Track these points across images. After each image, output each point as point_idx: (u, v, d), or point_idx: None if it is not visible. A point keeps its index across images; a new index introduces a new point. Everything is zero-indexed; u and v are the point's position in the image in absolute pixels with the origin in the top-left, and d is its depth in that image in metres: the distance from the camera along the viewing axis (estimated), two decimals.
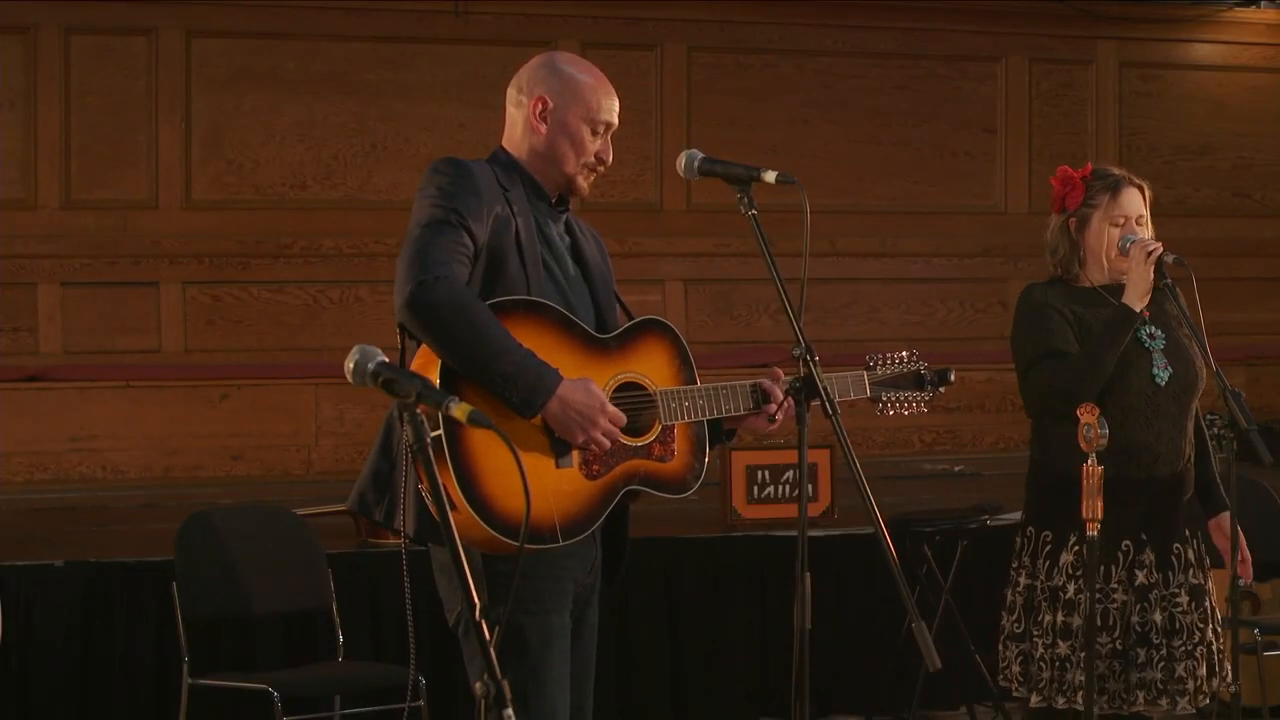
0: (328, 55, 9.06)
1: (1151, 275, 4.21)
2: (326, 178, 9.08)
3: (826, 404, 3.25)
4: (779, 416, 3.42)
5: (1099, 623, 4.21)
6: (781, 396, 3.39)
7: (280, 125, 9.00)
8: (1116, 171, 4.40)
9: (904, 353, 3.72)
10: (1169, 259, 4.22)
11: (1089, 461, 4.01)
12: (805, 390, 3.27)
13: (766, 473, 6.24)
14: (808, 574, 3.18)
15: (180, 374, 8.41)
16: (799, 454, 3.19)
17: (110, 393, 8.13)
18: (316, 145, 9.06)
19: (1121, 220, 4.30)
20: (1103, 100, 10.27)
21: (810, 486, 5.53)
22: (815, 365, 3.27)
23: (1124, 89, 10.31)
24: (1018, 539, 4.40)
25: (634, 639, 5.96)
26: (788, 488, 6.22)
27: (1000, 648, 4.42)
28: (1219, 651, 4.36)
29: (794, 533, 3.24)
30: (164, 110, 8.80)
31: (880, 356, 3.70)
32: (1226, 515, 4.40)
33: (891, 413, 3.70)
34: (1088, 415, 4.00)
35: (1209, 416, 4.37)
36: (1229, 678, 4.39)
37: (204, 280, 8.82)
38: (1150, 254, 4.20)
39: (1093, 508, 4.02)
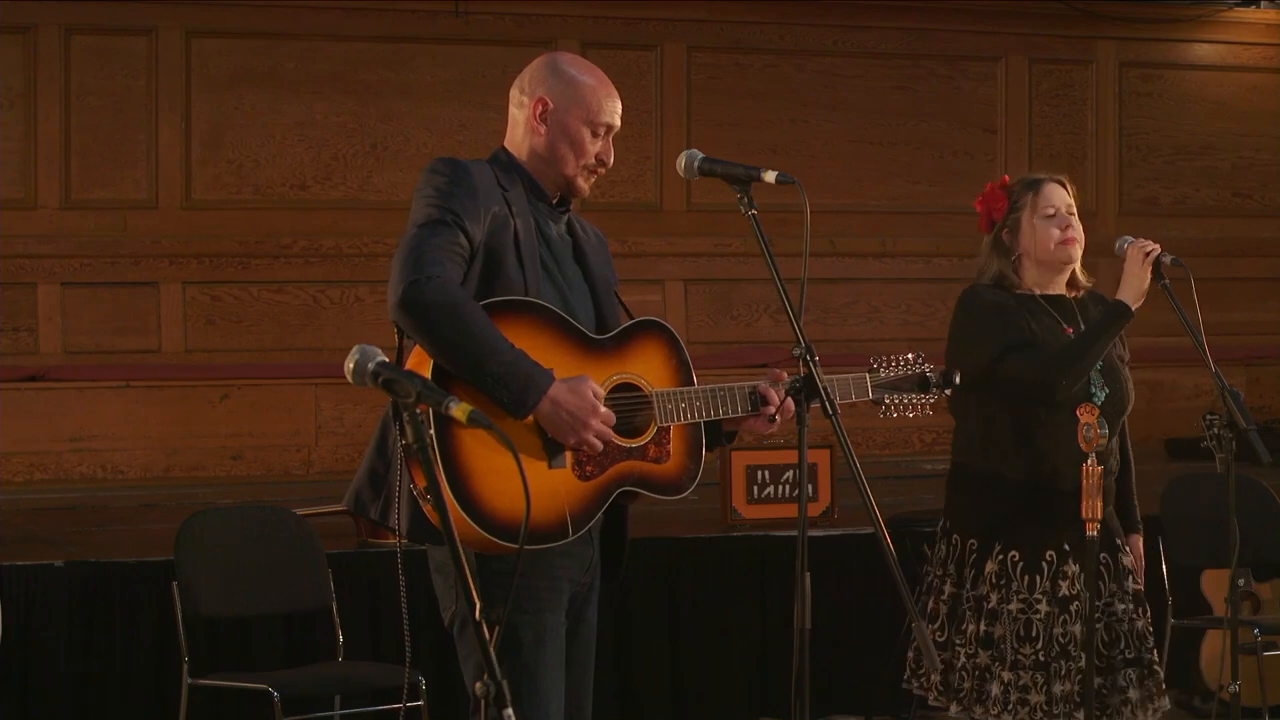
0: (328, 55, 9.06)
1: (1149, 276, 4.20)
2: (326, 178, 9.08)
3: (826, 404, 3.25)
4: (778, 418, 3.41)
5: (1022, 634, 4.18)
6: (778, 399, 3.39)
7: (280, 125, 9.00)
8: (1038, 174, 4.39)
9: (909, 354, 3.70)
10: (1166, 260, 4.22)
11: (1089, 461, 4.01)
12: (805, 391, 3.27)
13: (766, 473, 6.23)
14: (808, 574, 3.17)
15: (180, 374, 8.41)
16: (799, 454, 3.18)
17: (110, 393, 8.13)
18: (316, 145, 9.06)
19: (1050, 210, 4.28)
20: (1103, 100, 10.27)
21: (810, 486, 5.53)
22: (815, 365, 3.26)
23: (1124, 89, 10.31)
24: (940, 545, 4.35)
25: (634, 639, 5.96)
26: (788, 488, 6.22)
27: (911, 653, 4.36)
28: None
29: (794, 533, 3.23)
30: (164, 110, 8.80)
31: (884, 359, 3.68)
32: (1138, 539, 4.39)
33: (895, 415, 3.68)
34: (1087, 415, 4.01)
35: (1209, 416, 4.33)
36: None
37: (204, 280, 8.82)
38: (1147, 255, 4.20)
39: (1092, 508, 4.02)
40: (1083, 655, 4.17)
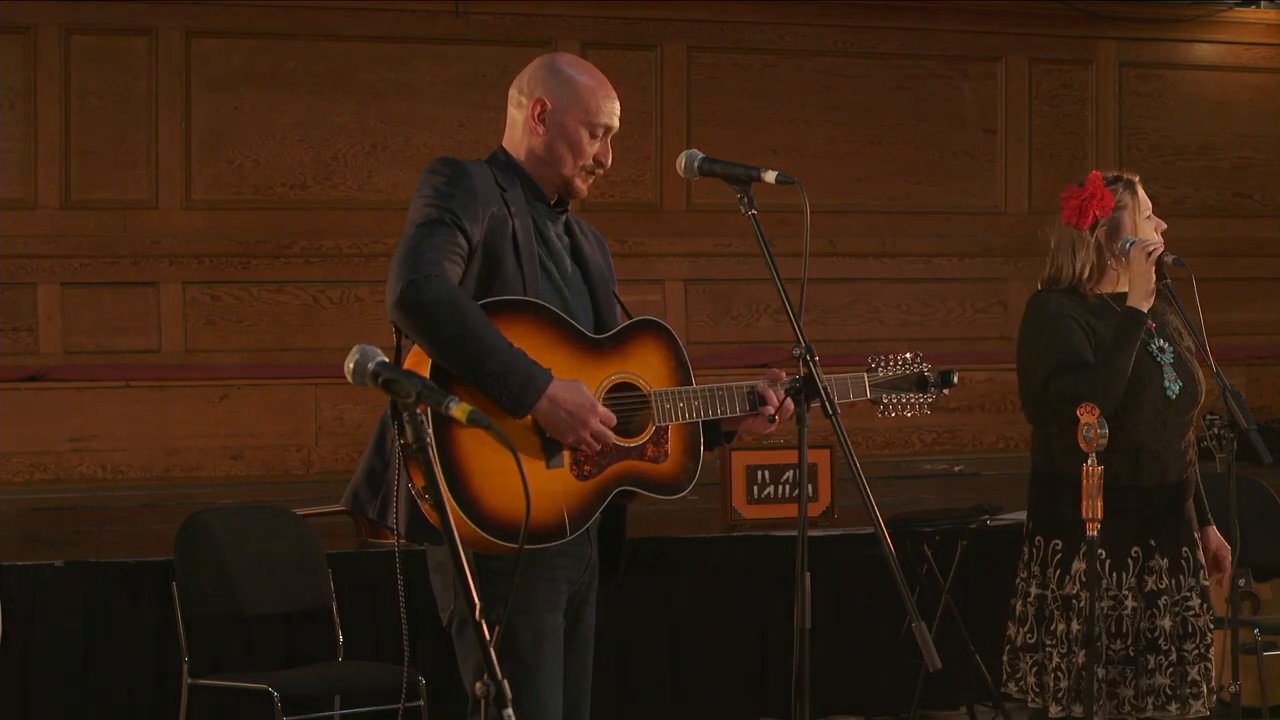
0: (328, 55, 9.06)
1: (1153, 275, 4.21)
2: (326, 178, 9.08)
3: (826, 404, 3.25)
4: (777, 418, 3.41)
5: (1113, 630, 4.21)
6: (777, 399, 3.39)
7: (280, 125, 9.01)
8: (1121, 173, 4.41)
9: (907, 354, 3.70)
10: (1168, 259, 4.22)
11: (1089, 461, 4.01)
12: (805, 391, 3.27)
13: (766, 473, 6.23)
14: (808, 574, 3.17)
15: (180, 374, 8.42)
16: (799, 454, 3.18)
17: (110, 393, 8.13)
18: (316, 145, 9.07)
19: (1149, 213, 4.33)
20: (1103, 100, 10.27)
21: (810, 486, 5.53)
22: (815, 365, 3.26)
23: (1124, 89, 10.31)
24: (1025, 548, 4.37)
25: (634, 639, 5.96)
26: (788, 488, 6.21)
27: (1006, 657, 4.40)
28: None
29: (794, 532, 3.23)
30: (164, 110, 8.80)
31: (882, 358, 3.68)
32: (1211, 530, 4.44)
33: (894, 414, 3.68)
34: (1087, 415, 4.00)
35: (1209, 416, 4.36)
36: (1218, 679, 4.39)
37: (204, 280, 8.83)
38: (1150, 254, 4.20)
39: (1092, 508, 4.02)
40: (1174, 648, 4.23)
